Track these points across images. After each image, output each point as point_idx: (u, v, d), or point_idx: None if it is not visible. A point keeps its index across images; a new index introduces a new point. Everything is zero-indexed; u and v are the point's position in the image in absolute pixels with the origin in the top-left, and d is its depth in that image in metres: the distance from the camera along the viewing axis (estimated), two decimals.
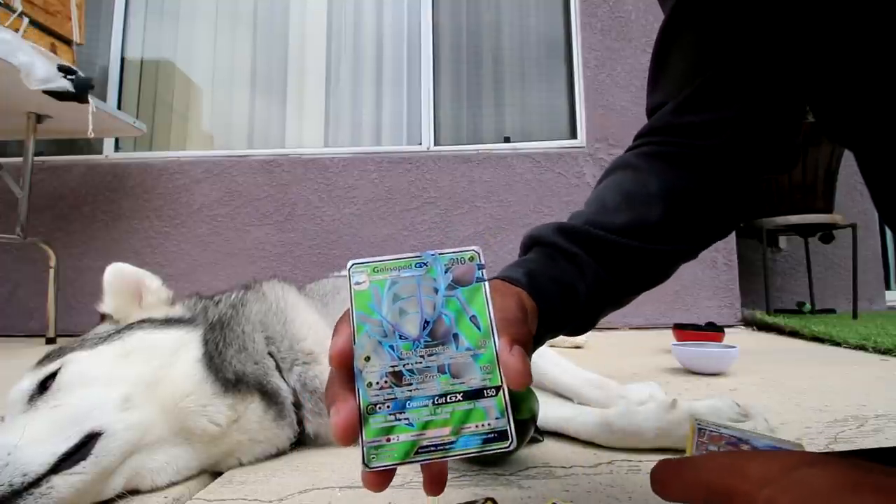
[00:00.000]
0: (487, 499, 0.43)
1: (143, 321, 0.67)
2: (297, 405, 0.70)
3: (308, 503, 0.54)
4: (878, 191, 0.43)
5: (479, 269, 0.31)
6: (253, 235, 2.56)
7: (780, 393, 0.99)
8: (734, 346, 1.22)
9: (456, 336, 0.29)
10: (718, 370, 1.19)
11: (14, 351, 1.93)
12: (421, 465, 0.28)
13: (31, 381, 0.57)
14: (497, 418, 0.28)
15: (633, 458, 0.64)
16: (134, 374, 0.58)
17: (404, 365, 0.29)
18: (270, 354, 0.70)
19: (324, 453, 0.70)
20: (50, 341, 2.12)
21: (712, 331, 1.59)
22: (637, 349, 1.69)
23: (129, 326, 0.66)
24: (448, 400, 0.28)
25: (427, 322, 0.29)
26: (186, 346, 0.64)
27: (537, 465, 0.62)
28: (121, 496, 0.54)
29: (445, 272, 0.30)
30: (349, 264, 0.31)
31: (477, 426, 0.28)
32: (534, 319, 0.39)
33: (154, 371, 0.60)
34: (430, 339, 0.29)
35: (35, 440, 0.49)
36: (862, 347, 1.55)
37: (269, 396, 0.66)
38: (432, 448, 0.27)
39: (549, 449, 0.68)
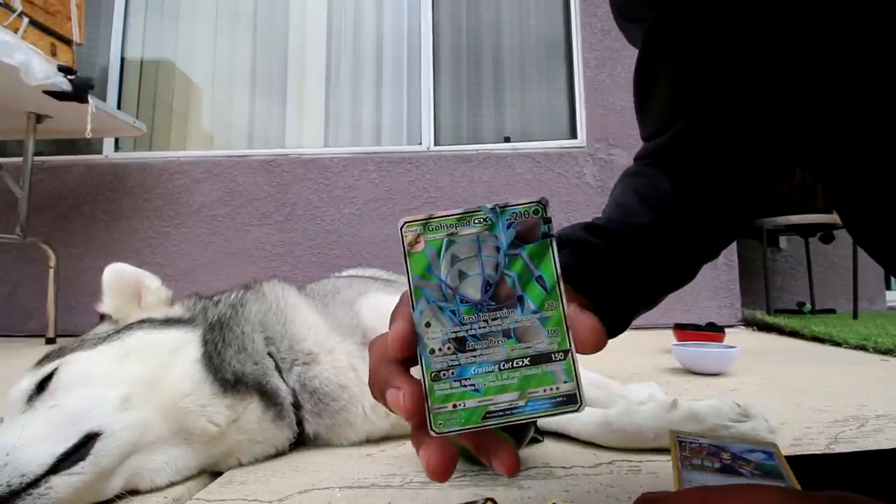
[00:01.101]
0: (487, 499, 0.42)
1: (142, 321, 0.67)
2: (297, 406, 0.69)
3: (308, 503, 0.54)
4: (848, 219, 0.42)
5: (545, 224, 0.28)
6: (253, 235, 2.56)
7: (781, 393, 0.99)
8: (734, 347, 1.22)
9: (521, 299, 0.27)
10: (718, 370, 1.19)
11: (14, 351, 1.93)
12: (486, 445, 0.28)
13: (29, 381, 0.57)
14: (565, 382, 0.27)
15: (634, 458, 0.64)
16: (133, 374, 0.58)
17: (467, 331, 0.27)
18: (270, 355, 0.70)
19: (324, 454, 0.70)
20: (50, 341, 2.12)
21: (713, 331, 1.59)
22: (637, 349, 1.68)
23: (129, 326, 0.66)
24: (514, 365, 0.27)
25: (489, 284, 0.28)
26: (186, 346, 0.64)
27: (537, 465, 0.62)
28: (120, 496, 0.54)
29: (508, 228, 0.28)
30: (400, 223, 0.28)
31: (545, 390, 0.27)
32: None
33: (153, 371, 0.59)
34: (493, 303, 0.27)
35: (34, 440, 0.49)
36: (862, 348, 1.55)
37: (268, 397, 0.66)
38: (500, 413, 0.27)
39: (549, 449, 0.68)
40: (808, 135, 0.39)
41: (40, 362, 0.61)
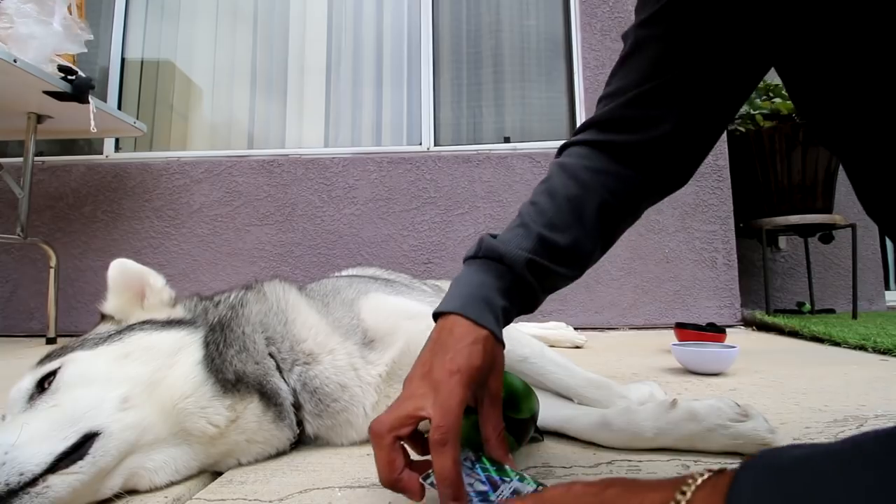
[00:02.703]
0: None
1: (144, 322, 0.67)
2: (297, 406, 0.69)
3: (308, 503, 0.54)
4: (863, 193, 0.43)
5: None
6: (253, 235, 2.56)
7: (780, 393, 0.99)
8: (734, 346, 1.22)
9: None
10: (718, 370, 1.19)
11: (14, 351, 1.93)
12: None
13: (31, 380, 0.57)
14: None
15: (633, 458, 0.64)
16: (133, 375, 0.58)
17: None
18: (271, 355, 0.70)
19: (324, 454, 0.70)
20: (50, 341, 2.13)
21: (714, 331, 1.59)
22: (637, 349, 1.68)
23: (130, 327, 0.66)
24: None
25: None
26: (187, 347, 0.64)
27: (537, 466, 0.62)
28: (119, 496, 0.54)
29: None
30: None
31: None
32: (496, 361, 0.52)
33: (153, 372, 0.60)
34: None
35: (33, 439, 0.49)
36: (861, 347, 1.55)
37: (268, 397, 0.66)
38: None
39: (549, 449, 0.68)
40: (828, 110, 0.40)
41: (42, 361, 0.61)
